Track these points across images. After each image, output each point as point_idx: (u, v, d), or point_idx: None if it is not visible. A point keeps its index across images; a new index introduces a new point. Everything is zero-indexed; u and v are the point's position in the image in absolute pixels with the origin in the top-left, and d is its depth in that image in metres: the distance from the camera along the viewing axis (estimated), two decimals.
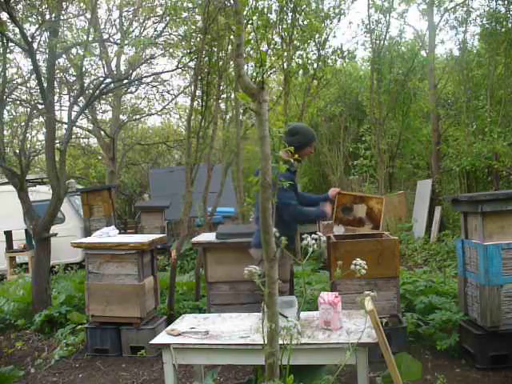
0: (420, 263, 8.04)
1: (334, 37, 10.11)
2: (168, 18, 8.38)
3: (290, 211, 3.40)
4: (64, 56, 7.17)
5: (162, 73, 12.43)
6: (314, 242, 2.07)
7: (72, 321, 5.02)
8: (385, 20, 7.55)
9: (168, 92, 14.18)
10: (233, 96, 6.75)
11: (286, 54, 6.84)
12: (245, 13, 5.45)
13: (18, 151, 5.73)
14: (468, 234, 3.79)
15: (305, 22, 6.77)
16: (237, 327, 2.83)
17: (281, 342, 1.98)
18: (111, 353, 4.44)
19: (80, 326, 4.81)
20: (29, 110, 7.63)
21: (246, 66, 5.96)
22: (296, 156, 3.02)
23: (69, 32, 8.24)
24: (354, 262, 2.15)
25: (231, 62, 6.13)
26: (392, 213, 10.66)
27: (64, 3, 6.03)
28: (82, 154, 16.76)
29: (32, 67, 5.57)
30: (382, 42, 7.88)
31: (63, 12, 6.35)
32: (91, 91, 6.65)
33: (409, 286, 4.74)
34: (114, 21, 11.69)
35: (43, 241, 5.52)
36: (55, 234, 6.18)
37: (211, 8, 5.52)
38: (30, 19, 5.75)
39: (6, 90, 6.10)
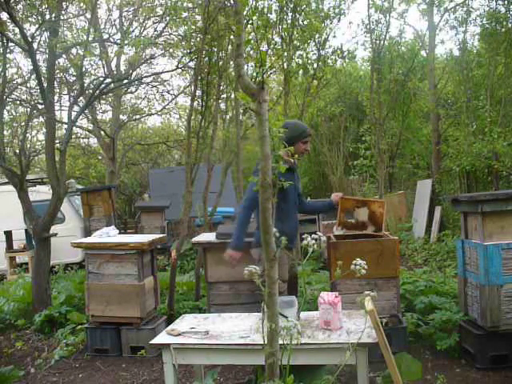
0: (420, 263, 8.03)
1: (334, 37, 10.07)
2: (168, 18, 8.36)
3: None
4: (64, 56, 7.16)
5: (162, 73, 12.43)
6: (313, 241, 2.07)
7: (72, 321, 5.02)
8: (385, 20, 7.51)
9: (168, 92, 14.20)
10: (233, 96, 6.74)
11: (286, 53, 6.82)
12: (245, 13, 5.43)
13: (18, 151, 5.73)
14: (468, 234, 3.79)
15: (305, 22, 6.75)
16: (237, 327, 2.83)
17: (281, 341, 1.98)
18: (111, 353, 4.44)
19: (80, 326, 4.81)
20: (29, 110, 7.62)
21: (246, 66, 5.95)
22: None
23: (69, 32, 8.24)
24: (354, 262, 2.15)
25: (231, 62, 6.13)
26: (392, 213, 10.66)
27: (64, 3, 6.03)
28: (82, 153, 16.77)
29: (32, 67, 5.57)
30: (382, 42, 7.85)
31: (63, 12, 6.36)
32: (91, 91, 6.64)
33: (409, 286, 4.73)
34: (114, 21, 11.69)
35: (43, 241, 5.52)
36: (55, 234, 6.17)
37: (211, 8, 5.51)
38: (30, 19, 5.75)
39: (6, 89, 6.10)
